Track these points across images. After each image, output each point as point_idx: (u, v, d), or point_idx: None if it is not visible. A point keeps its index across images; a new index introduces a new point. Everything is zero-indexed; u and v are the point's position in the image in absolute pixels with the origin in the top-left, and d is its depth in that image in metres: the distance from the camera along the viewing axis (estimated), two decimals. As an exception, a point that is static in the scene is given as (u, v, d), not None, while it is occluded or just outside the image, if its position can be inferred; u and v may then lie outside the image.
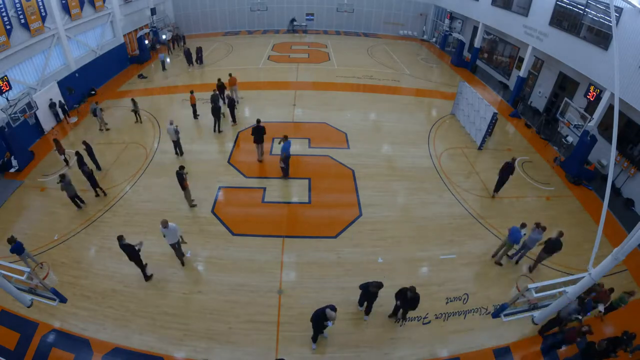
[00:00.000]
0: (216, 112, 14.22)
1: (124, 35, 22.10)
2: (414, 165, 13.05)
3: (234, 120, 15.33)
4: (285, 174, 11.97)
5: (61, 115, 15.62)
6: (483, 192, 11.86)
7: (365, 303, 7.67)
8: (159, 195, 11.28)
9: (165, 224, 8.12)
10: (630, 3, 10.66)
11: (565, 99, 13.40)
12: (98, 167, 12.30)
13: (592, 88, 12.83)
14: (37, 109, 13.51)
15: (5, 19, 12.91)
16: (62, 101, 15.69)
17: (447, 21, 26.46)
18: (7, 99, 12.49)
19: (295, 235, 9.95)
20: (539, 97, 17.68)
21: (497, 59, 22.14)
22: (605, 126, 13.09)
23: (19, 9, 13.55)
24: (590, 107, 13.34)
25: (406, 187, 11.99)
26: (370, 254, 9.40)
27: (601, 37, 12.51)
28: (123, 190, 11.46)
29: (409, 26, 30.26)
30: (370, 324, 7.77)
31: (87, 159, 11.49)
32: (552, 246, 8.31)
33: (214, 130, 14.69)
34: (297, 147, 13.79)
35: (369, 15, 30.39)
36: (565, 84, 16.03)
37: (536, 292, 5.91)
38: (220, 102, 15.11)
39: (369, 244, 9.70)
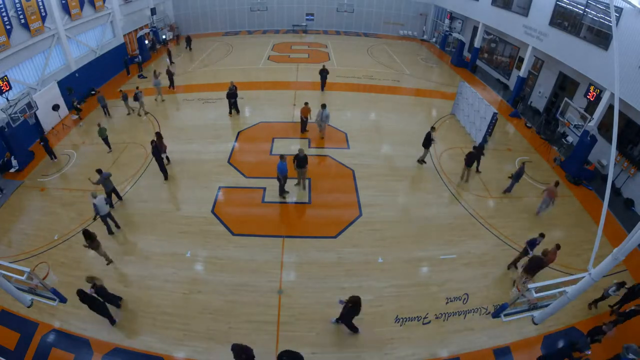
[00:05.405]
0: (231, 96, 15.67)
1: (124, 35, 22.11)
2: (414, 165, 13.05)
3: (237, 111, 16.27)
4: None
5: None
6: (483, 192, 11.86)
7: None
8: (159, 195, 11.31)
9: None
10: (630, 3, 10.66)
11: (565, 99, 13.39)
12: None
13: (592, 88, 12.82)
14: (37, 109, 13.49)
15: (5, 19, 12.91)
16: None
17: (447, 21, 26.46)
18: (7, 99, 12.48)
19: (295, 235, 9.95)
20: (539, 97, 17.68)
21: (497, 59, 22.15)
22: (605, 127, 13.08)
23: (19, 9, 13.55)
24: (590, 107, 13.34)
25: (406, 187, 11.99)
26: (370, 254, 9.40)
27: (601, 37, 12.51)
28: (123, 190, 11.45)
29: (409, 26, 30.26)
30: (370, 324, 7.77)
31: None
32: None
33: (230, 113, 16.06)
34: (297, 147, 13.77)
35: (369, 15, 30.39)
36: (565, 84, 16.02)
37: (536, 292, 5.89)
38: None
39: (369, 244, 9.69)
